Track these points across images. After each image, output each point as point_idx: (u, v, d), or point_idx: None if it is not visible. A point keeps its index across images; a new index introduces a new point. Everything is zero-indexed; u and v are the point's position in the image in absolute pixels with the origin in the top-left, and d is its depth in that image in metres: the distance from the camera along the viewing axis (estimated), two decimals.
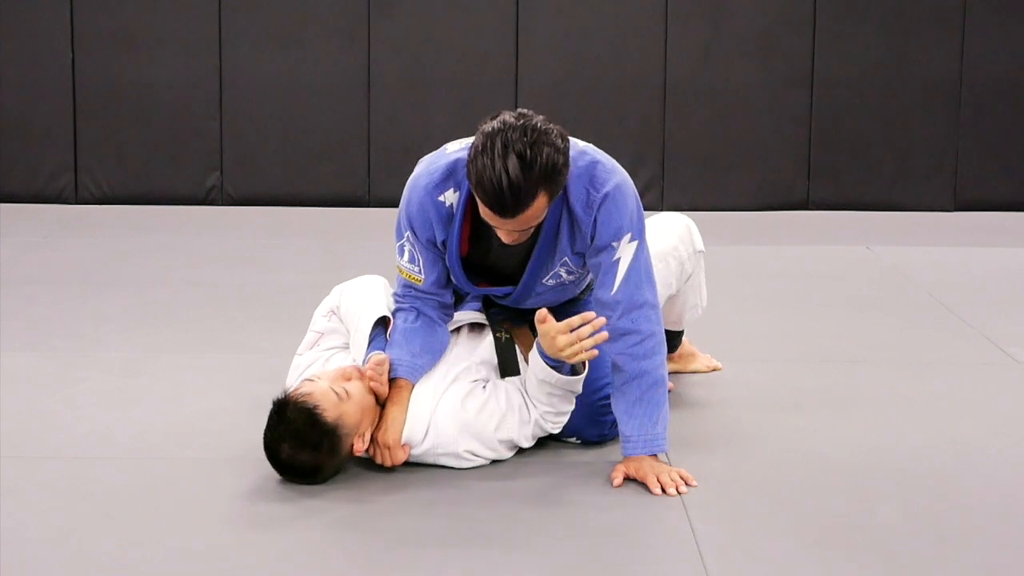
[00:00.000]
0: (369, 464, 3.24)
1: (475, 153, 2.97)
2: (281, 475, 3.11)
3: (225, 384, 3.95)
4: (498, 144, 2.93)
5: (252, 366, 4.11)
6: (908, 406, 3.82)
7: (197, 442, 3.45)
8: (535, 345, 3.20)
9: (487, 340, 3.39)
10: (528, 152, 2.92)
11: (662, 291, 3.52)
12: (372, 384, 3.17)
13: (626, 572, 2.73)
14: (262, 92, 7.15)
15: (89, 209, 7.07)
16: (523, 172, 2.92)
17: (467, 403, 3.23)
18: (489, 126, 2.99)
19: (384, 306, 3.36)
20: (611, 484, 3.14)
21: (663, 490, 3.09)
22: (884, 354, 4.39)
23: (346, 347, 3.42)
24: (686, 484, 3.12)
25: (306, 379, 3.17)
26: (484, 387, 3.28)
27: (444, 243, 3.21)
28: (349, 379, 3.13)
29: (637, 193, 3.22)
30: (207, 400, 3.80)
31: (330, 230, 6.41)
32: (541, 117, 3.02)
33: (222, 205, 7.20)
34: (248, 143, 7.18)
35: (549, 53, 7.13)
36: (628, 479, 3.16)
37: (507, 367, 3.37)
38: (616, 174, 3.17)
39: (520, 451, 3.34)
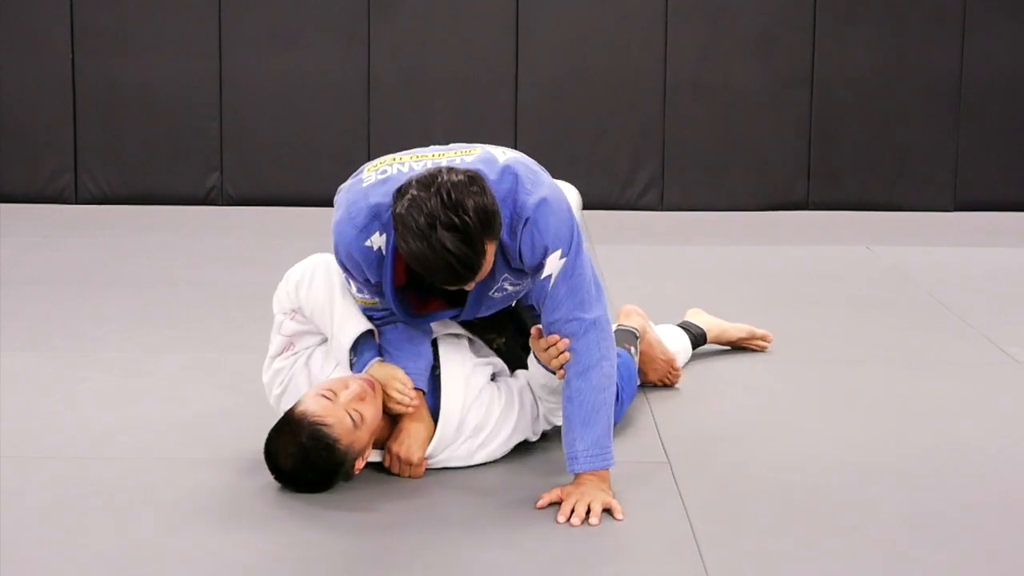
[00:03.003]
0: (371, 463, 3.23)
1: (404, 240, 2.85)
2: (277, 480, 3.10)
3: (225, 384, 3.95)
4: (423, 224, 2.80)
5: (252, 366, 4.10)
6: (908, 406, 3.82)
7: (197, 442, 3.45)
8: (532, 353, 3.25)
9: (481, 344, 3.42)
10: (456, 219, 2.79)
11: None
12: (409, 412, 3.17)
13: (626, 572, 2.73)
14: (262, 92, 7.15)
15: (89, 209, 7.07)
16: (463, 241, 2.81)
17: (486, 424, 3.25)
18: (401, 205, 2.85)
19: (355, 308, 3.23)
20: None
21: (567, 519, 2.95)
22: (884, 354, 4.39)
23: (321, 344, 3.32)
24: (594, 518, 2.94)
25: (322, 394, 3.06)
26: (499, 391, 3.30)
27: (379, 284, 3.10)
28: (363, 399, 3.07)
29: (568, 205, 3.08)
30: (207, 400, 3.80)
31: (330, 230, 6.40)
32: (444, 169, 2.88)
33: (222, 205, 7.20)
34: (248, 143, 7.18)
35: (549, 53, 7.13)
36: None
37: (517, 363, 3.41)
38: (538, 190, 3.02)
39: (521, 453, 3.35)
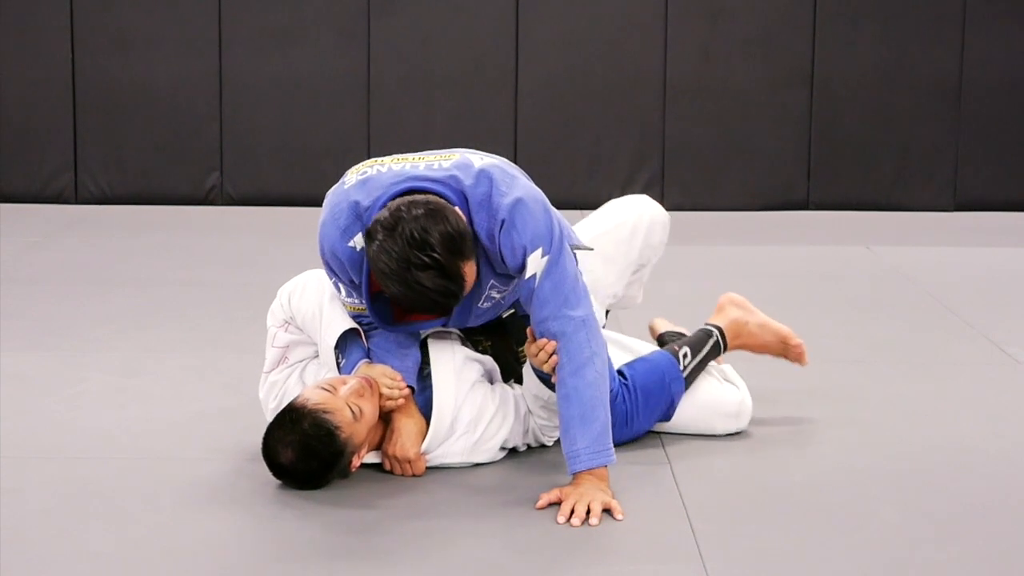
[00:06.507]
0: (367, 464, 3.23)
1: (383, 284, 2.92)
2: (274, 475, 3.11)
3: (225, 384, 3.95)
4: (395, 269, 2.87)
5: (252, 366, 4.10)
6: (908, 406, 3.82)
7: (197, 442, 3.45)
8: (527, 362, 3.23)
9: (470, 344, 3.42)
10: (425, 257, 2.86)
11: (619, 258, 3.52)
12: (398, 404, 3.17)
13: (626, 572, 2.73)
14: (262, 92, 7.15)
15: (89, 209, 7.07)
16: (439, 276, 2.87)
17: (480, 420, 3.24)
18: (372, 251, 2.91)
19: (342, 311, 3.24)
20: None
21: (567, 519, 2.94)
22: (884, 354, 4.39)
23: (315, 356, 3.34)
24: (594, 518, 2.94)
25: (322, 387, 3.09)
26: (494, 391, 3.29)
27: (360, 284, 3.13)
28: (362, 396, 3.08)
29: (546, 205, 3.08)
30: (207, 400, 3.81)
31: None
32: (404, 206, 2.91)
33: (222, 205, 7.20)
34: (248, 143, 7.19)
35: (549, 53, 7.13)
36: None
37: (507, 370, 3.41)
38: (513, 192, 3.03)
39: (520, 452, 3.36)
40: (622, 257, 3.56)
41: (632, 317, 4.24)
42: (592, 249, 3.42)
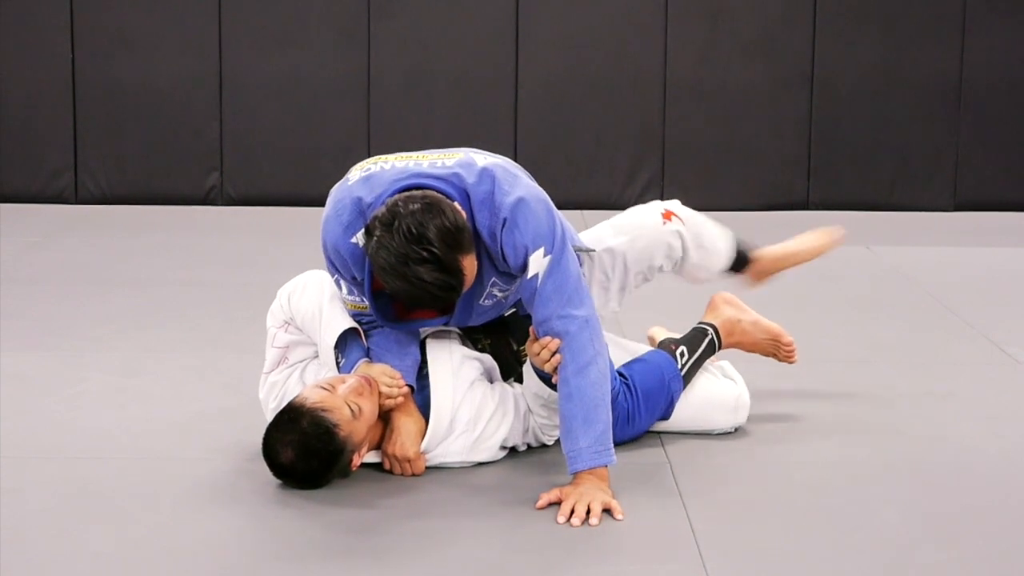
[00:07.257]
0: (367, 464, 3.23)
1: (384, 280, 2.93)
2: (274, 475, 3.11)
3: (225, 384, 3.95)
4: (394, 263, 2.88)
5: (252, 366, 4.10)
6: (908, 406, 3.82)
7: (197, 442, 3.45)
8: (528, 361, 3.23)
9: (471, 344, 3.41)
10: (423, 251, 2.86)
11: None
12: (397, 403, 3.16)
13: (626, 572, 2.73)
14: (262, 92, 7.15)
15: (89, 209, 7.07)
16: (437, 269, 2.88)
17: (479, 418, 3.24)
18: (371, 248, 2.92)
19: (342, 311, 3.25)
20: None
21: (567, 519, 2.94)
22: (884, 354, 4.39)
23: (315, 357, 3.34)
24: (594, 518, 2.94)
25: (321, 386, 3.10)
26: (493, 389, 3.29)
27: (362, 281, 3.13)
28: (361, 394, 3.09)
29: (548, 205, 3.09)
30: (207, 400, 3.81)
31: None
32: (401, 201, 2.92)
33: (222, 205, 7.20)
34: (248, 143, 7.19)
35: (549, 53, 7.13)
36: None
37: (506, 369, 3.40)
38: (515, 191, 3.04)
39: (519, 452, 3.35)
40: (615, 282, 3.54)
41: (633, 323, 4.24)
42: (594, 251, 3.42)
